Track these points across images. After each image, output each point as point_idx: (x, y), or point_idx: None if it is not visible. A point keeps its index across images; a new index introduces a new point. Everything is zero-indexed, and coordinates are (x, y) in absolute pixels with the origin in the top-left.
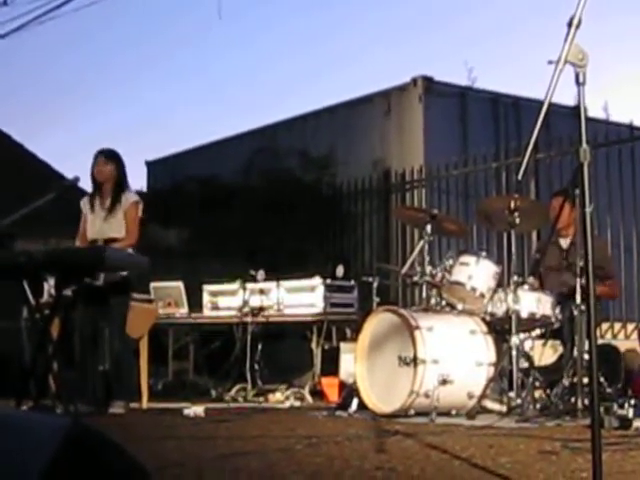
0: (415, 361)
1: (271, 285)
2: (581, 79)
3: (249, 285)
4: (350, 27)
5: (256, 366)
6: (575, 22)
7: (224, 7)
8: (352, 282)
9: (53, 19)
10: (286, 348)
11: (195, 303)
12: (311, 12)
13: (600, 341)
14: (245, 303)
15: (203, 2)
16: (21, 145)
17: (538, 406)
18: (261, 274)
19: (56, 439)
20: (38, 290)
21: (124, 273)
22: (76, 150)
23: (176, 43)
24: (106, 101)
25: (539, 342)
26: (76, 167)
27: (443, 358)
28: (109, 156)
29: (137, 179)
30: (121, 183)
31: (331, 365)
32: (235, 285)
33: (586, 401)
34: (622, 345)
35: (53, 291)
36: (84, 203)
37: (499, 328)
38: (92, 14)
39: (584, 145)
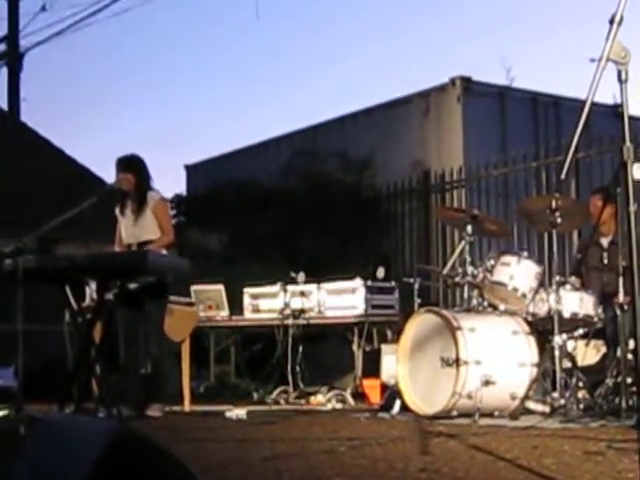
0: (457, 362)
1: (312, 287)
2: (624, 77)
3: (290, 287)
4: (388, 30)
5: (297, 368)
6: (617, 19)
7: (264, 11)
8: (393, 283)
9: (91, 25)
10: (327, 350)
11: (236, 306)
12: (347, 18)
13: None
14: (286, 305)
15: (243, 4)
16: (62, 150)
17: (582, 407)
18: (301, 276)
19: (101, 442)
20: (80, 294)
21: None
22: (118, 154)
23: (216, 46)
24: (148, 105)
25: (582, 342)
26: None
27: (485, 359)
28: (126, 165)
29: (177, 183)
30: (143, 186)
31: (372, 367)
32: (276, 287)
33: (630, 401)
34: None
35: (95, 295)
36: (117, 210)
37: (541, 328)
38: (130, 19)
39: (627, 143)
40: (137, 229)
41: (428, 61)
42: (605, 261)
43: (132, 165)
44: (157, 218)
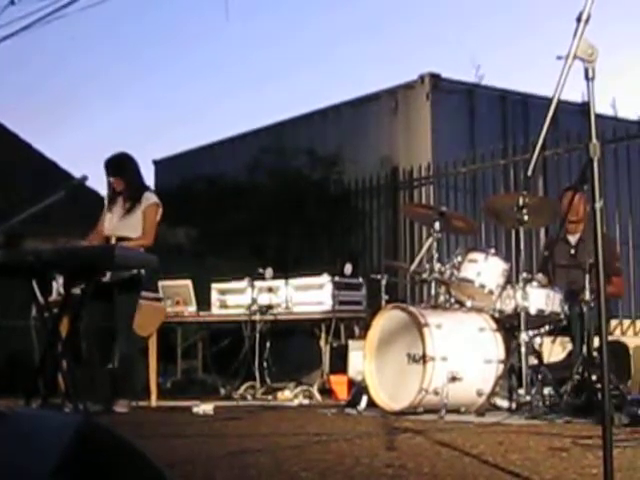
0: (424, 358)
1: (279, 283)
2: (590, 74)
3: (257, 283)
4: (358, 29)
5: (265, 364)
6: (584, 17)
7: (236, 8)
8: (360, 280)
9: (60, 18)
10: (295, 346)
11: (204, 301)
12: (319, 17)
13: (609, 338)
14: (253, 301)
15: (213, 2)
16: (29, 144)
17: (547, 403)
18: (269, 272)
19: (67, 436)
20: (47, 289)
21: (134, 271)
22: (89, 149)
23: (186, 45)
24: (117, 101)
25: (548, 339)
26: (89, 166)
27: (452, 355)
28: (115, 169)
29: (145, 178)
30: (136, 186)
31: (340, 363)
32: (243, 283)
33: (595, 398)
34: (631, 342)
35: (62, 289)
36: (105, 200)
37: (508, 325)
38: (99, 14)
39: (594, 140)
40: (122, 224)
41: (397, 60)
42: (573, 258)
43: (120, 168)
44: (144, 219)
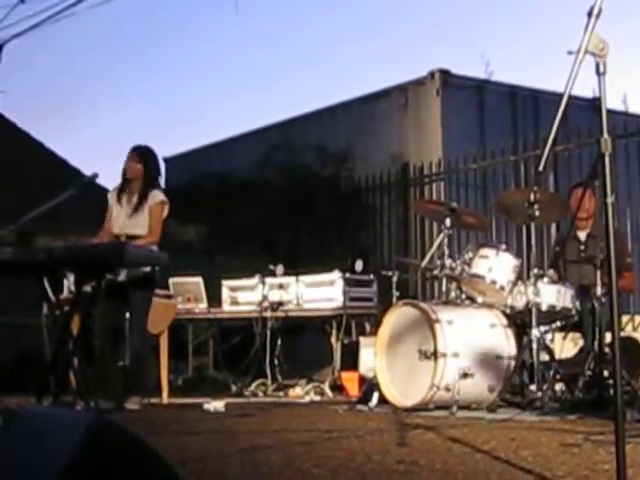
0: (435, 354)
1: (290, 280)
2: (602, 69)
3: (268, 280)
4: (368, 26)
5: (276, 361)
6: (595, 11)
7: (244, 5)
8: (371, 276)
9: (69, 17)
10: (306, 343)
11: (214, 298)
12: (329, 12)
13: (620, 334)
14: (264, 298)
15: (217, 1)
16: (41, 143)
17: (559, 399)
18: (280, 269)
19: (77, 434)
20: (58, 286)
21: (148, 269)
22: (97, 147)
23: (195, 41)
24: (126, 100)
25: (559, 335)
26: (99, 164)
27: (463, 351)
28: (141, 155)
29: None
30: (149, 182)
31: (351, 359)
32: (254, 280)
33: (607, 394)
34: None
35: (73, 287)
36: (111, 195)
37: (519, 321)
38: (106, 13)
39: (605, 135)
40: (130, 222)
41: (405, 58)
42: (583, 254)
43: (144, 157)
44: (150, 216)
